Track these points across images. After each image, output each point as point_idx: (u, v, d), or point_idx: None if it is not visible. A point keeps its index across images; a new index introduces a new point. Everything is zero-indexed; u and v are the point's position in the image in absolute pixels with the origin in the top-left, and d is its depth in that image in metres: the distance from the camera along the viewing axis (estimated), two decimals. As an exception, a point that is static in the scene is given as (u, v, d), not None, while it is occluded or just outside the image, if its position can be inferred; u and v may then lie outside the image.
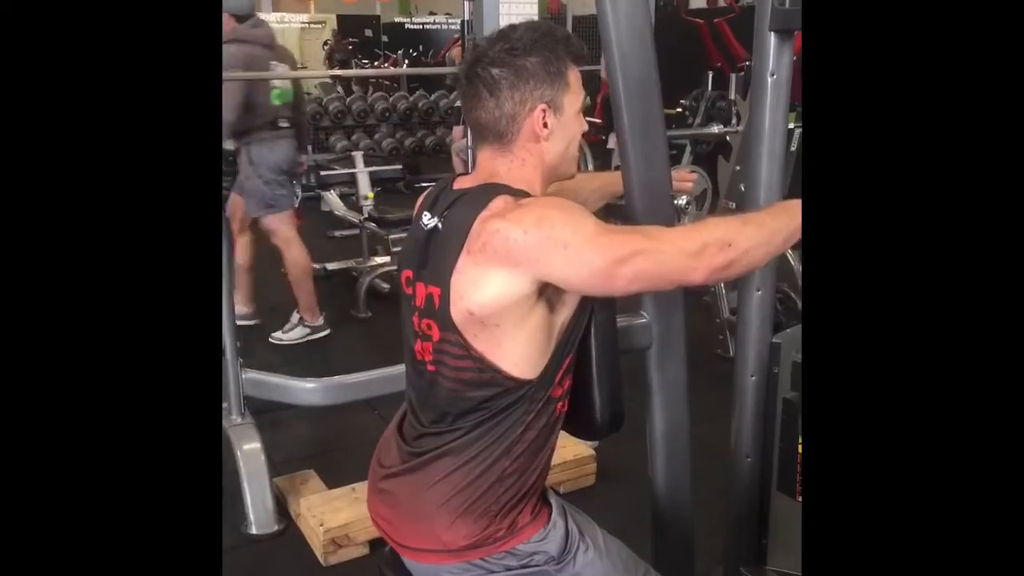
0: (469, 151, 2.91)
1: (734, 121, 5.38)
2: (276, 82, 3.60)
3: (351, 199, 5.29)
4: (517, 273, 1.11)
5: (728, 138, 4.92)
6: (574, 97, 1.22)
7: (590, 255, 1.10)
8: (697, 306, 3.67)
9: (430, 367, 1.22)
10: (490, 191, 1.18)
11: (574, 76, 1.22)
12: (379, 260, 4.78)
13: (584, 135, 1.29)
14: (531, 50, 1.18)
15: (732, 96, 5.68)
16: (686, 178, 1.62)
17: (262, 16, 4.54)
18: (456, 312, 1.15)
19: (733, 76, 5.83)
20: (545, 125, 1.19)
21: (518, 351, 1.16)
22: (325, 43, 12.12)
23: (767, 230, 1.19)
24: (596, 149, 6.20)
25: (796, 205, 1.21)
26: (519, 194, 1.18)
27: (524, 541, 1.21)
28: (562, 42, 1.20)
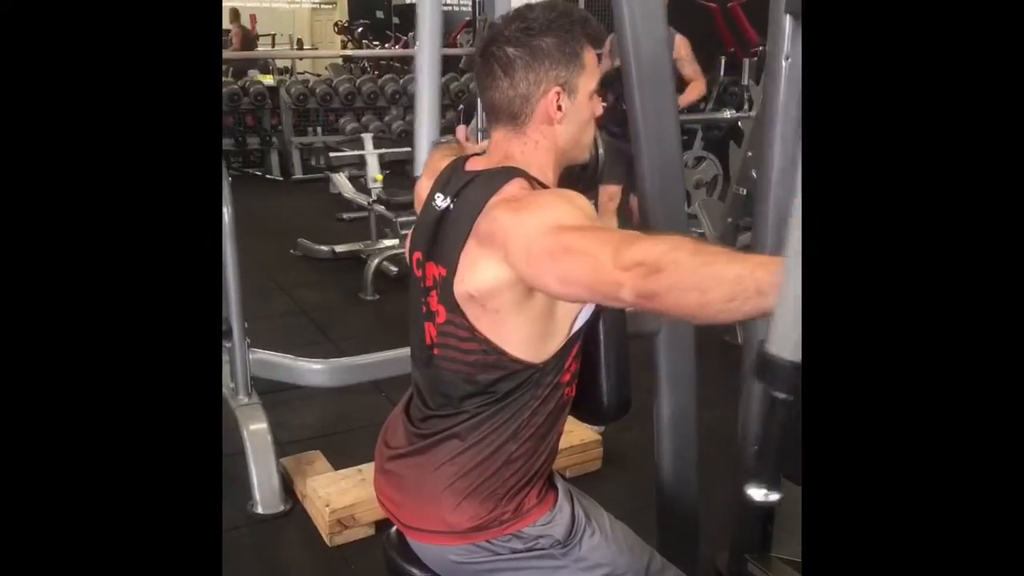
0: (479, 133, 2.89)
1: (746, 106, 5.35)
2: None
3: (360, 181, 5.29)
4: (501, 258, 1.10)
5: (740, 123, 4.89)
6: (589, 79, 1.20)
7: (534, 243, 1.04)
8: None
9: (436, 349, 1.21)
10: (506, 174, 1.17)
11: (590, 58, 1.20)
12: (387, 243, 4.78)
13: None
14: (547, 30, 1.16)
15: (745, 81, 5.64)
16: None
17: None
18: (459, 294, 1.15)
19: (746, 61, 5.79)
20: (559, 108, 1.18)
21: (520, 336, 1.15)
22: (335, 24, 12.10)
23: (712, 273, 0.90)
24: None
25: (777, 264, 0.87)
26: (536, 182, 1.17)
27: (530, 524, 1.21)
28: (579, 23, 1.18)
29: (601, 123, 1.29)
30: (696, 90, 4.01)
